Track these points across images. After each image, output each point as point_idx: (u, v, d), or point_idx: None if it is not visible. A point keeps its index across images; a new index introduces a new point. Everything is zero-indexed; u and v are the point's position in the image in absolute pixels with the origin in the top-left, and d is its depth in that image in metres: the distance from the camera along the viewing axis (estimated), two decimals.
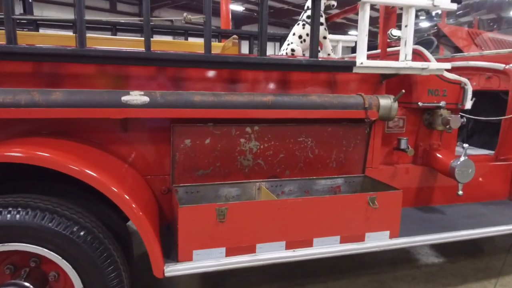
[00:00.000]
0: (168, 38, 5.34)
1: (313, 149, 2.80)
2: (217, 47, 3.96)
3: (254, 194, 2.70)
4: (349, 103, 2.67)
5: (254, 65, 2.49)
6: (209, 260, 2.20)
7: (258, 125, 2.60)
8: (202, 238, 2.18)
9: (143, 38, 2.31)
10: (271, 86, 2.75)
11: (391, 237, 2.57)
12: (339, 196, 2.43)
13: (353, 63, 2.64)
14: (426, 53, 3.01)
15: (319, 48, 4.08)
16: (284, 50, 3.89)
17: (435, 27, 4.84)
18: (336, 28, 20.65)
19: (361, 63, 2.65)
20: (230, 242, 2.23)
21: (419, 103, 3.06)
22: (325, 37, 3.85)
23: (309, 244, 2.39)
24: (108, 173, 2.06)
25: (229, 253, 2.25)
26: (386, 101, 2.75)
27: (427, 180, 3.28)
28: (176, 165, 2.53)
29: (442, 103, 3.08)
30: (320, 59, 2.61)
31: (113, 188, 1.98)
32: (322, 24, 3.83)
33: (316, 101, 2.60)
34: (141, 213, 2.01)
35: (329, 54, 3.94)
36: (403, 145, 3.11)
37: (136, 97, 2.29)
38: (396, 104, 2.77)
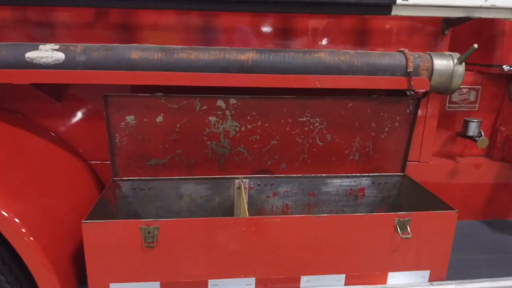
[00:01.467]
0: None
1: (323, 134, 1.86)
2: None
3: (232, 194, 1.88)
4: (382, 65, 1.66)
5: (221, 2, 1.58)
6: None
7: (235, 97, 1.73)
8: (123, 267, 1.44)
9: None
10: (262, 39, 1.82)
11: (432, 279, 1.61)
12: (343, 216, 1.52)
13: (391, 1, 1.60)
14: None
15: None
16: None
17: None
18: None
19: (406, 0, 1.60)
20: (166, 276, 1.47)
21: (504, 66, 1.92)
22: None
23: (294, 283, 1.54)
24: None
25: None
26: (444, 63, 1.68)
27: (506, 183, 2.18)
28: (118, 151, 1.78)
29: None
30: None
31: None
32: None
33: (325, 62, 1.63)
34: (21, 228, 1.30)
35: None
36: (472, 130, 2.02)
37: (46, 53, 1.53)
38: (462, 68, 1.69)
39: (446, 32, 1.88)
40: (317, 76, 1.63)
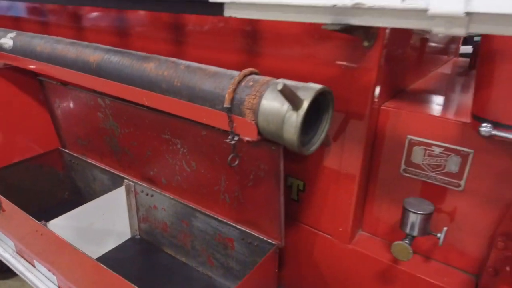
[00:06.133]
0: None
1: (187, 159, 1.46)
2: None
3: (124, 193, 1.80)
4: (201, 90, 1.12)
5: None
6: None
7: (107, 97, 1.59)
8: None
9: None
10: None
11: None
12: None
13: None
14: None
15: None
16: None
17: None
18: None
19: None
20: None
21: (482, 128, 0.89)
22: None
23: None
24: None
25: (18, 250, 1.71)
26: (275, 105, 0.96)
27: None
28: (61, 126, 2.01)
29: None
30: None
31: None
32: None
33: (150, 75, 1.26)
34: None
35: None
36: (410, 225, 1.09)
37: (6, 40, 1.88)
38: (295, 116, 0.92)
39: (367, 44, 1.02)
40: (144, 91, 1.29)
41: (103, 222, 1.70)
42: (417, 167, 1.15)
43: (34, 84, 1.97)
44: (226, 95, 1.05)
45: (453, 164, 1.08)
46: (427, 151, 1.11)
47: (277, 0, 0.88)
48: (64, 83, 1.76)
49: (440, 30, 0.73)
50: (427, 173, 1.13)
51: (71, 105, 1.83)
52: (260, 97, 1.00)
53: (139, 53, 1.33)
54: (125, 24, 1.60)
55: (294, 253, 1.43)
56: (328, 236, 1.32)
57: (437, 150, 1.09)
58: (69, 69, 1.52)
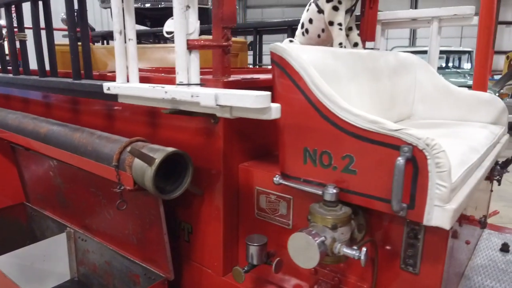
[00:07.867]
0: None
1: (108, 209, 1.84)
2: None
3: (65, 239, 2.15)
4: (103, 153, 1.55)
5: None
6: None
7: (55, 160, 2.03)
8: None
9: None
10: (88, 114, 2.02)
11: None
12: None
13: (100, 88, 1.49)
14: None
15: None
16: None
17: None
18: None
19: (108, 89, 1.45)
20: None
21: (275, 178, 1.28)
22: (331, 22, 2.20)
23: None
24: None
25: None
26: (140, 163, 1.37)
27: None
28: (27, 185, 2.43)
29: None
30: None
31: None
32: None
33: (74, 142, 1.70)
34: None
35: (341, 45, 2.21)
36: (249, 255, 1.42)
37: None
38: (152, 170, 1.32)
39: (213, 121, 1.45)
40: (71, 154, 1.72)
41: (44, 263, 2.03)
42: (263, 211, 1.50)
43: (8, 149, 2.44)
44: (114, 156, 1.46)
45: (283, 208, 1.44)
46: (267, 198, 1.48)
47: (137, 94, 1.34)
48: (27, 149, 2.21)
49: (219, 114, 1.16)
50: (270, 215, 1.49)
51: (33, 166, 2.27)
52: (134, 157, 1.41)
53: (72, 125, 1.79)
54: (76, 103, 2.08)
55: None
56: (209, 271, 1.64)
57: (273, 197, 1.46)
58: (28, 138, 1.99)
